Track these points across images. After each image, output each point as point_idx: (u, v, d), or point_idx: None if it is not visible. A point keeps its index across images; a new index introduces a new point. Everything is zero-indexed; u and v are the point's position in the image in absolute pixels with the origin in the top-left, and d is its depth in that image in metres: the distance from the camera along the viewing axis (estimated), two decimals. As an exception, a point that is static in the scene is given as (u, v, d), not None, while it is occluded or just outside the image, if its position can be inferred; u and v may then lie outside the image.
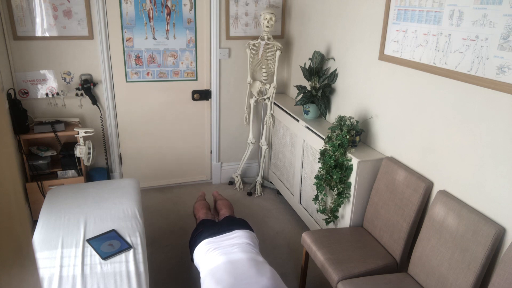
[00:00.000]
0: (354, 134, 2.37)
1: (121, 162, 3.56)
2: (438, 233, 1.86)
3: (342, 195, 2.39)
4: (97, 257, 1.93)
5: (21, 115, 2.86)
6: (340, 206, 2.44)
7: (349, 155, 2.34)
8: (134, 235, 2.11)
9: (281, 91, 3.74)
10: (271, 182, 3.75)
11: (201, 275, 1.96)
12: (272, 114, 3.39)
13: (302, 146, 3.00)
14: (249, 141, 3.58)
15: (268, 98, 3.37)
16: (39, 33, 2.95)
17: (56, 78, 3.10)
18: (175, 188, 3.72)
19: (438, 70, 1.90)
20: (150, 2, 3.17)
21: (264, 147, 3.55)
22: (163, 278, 2.53)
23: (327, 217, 2.55)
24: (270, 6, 3.44)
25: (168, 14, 3.25)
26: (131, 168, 3.61)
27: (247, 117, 3.55)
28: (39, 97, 3.08)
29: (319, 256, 2.13)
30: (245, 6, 3.37)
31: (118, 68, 3.27)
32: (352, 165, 2.32)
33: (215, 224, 2.32)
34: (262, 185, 3.68)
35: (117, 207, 2.35)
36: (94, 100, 3.20)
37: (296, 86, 3.04)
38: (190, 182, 3.83)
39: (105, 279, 1.80)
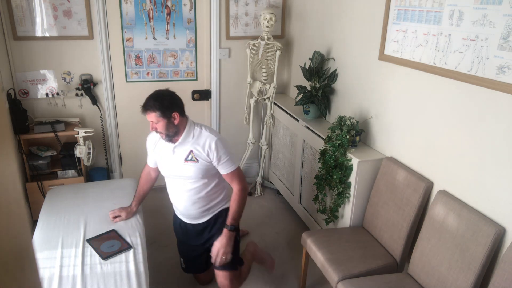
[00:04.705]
0: (354, 134, 2.37)
1: (121, 162, 3.56)
2: (438, 233, 1.85)
3: (342, 195, 2.39)
4: (97, 257, 1.93)
5: (21, 115, 2.86)
6: (340, 206, 2.44)
7: (349, 155, 2.34)
8: (134, 235, 2.11)
9: (281, 91, 3.74)
10: (271, 182, 3.75)
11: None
12: (272, 114, 3.39)
13: (302, 146, 3.00)
14: (249, 141, 3.57)
15: (268, 98, 3.37)
16: (39, 33, 2.95)
17: (56, 78, 3.10)
18: (175, 188, 3.72)
19: (438, 70, 1.90)
20: (150, 2, 3.17)
21: (264, 147, 3.55)
22: (163, 278, 2.53)
23: (327, 217, 2.55)
24: (270, 6, 3.44)
25: (168, 14, 3.25)
26: (131, 168, 3.61)
27: (247, 117, 3.55)
28: (39, 97, 3.08)
29: (319, 256, 2.13)
30: (245, 6, 3.37)
31: (118, 68, 3.27)
32: (352, 165, 2.32)
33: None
34: (262, 185, 3.68)
35: (117, 207, 2.35)
36: (94, 100, 3.20)
37: (296, 86, 3.04)
38: (190, 182, 3.83)
39: (105, 279, 1.79)
